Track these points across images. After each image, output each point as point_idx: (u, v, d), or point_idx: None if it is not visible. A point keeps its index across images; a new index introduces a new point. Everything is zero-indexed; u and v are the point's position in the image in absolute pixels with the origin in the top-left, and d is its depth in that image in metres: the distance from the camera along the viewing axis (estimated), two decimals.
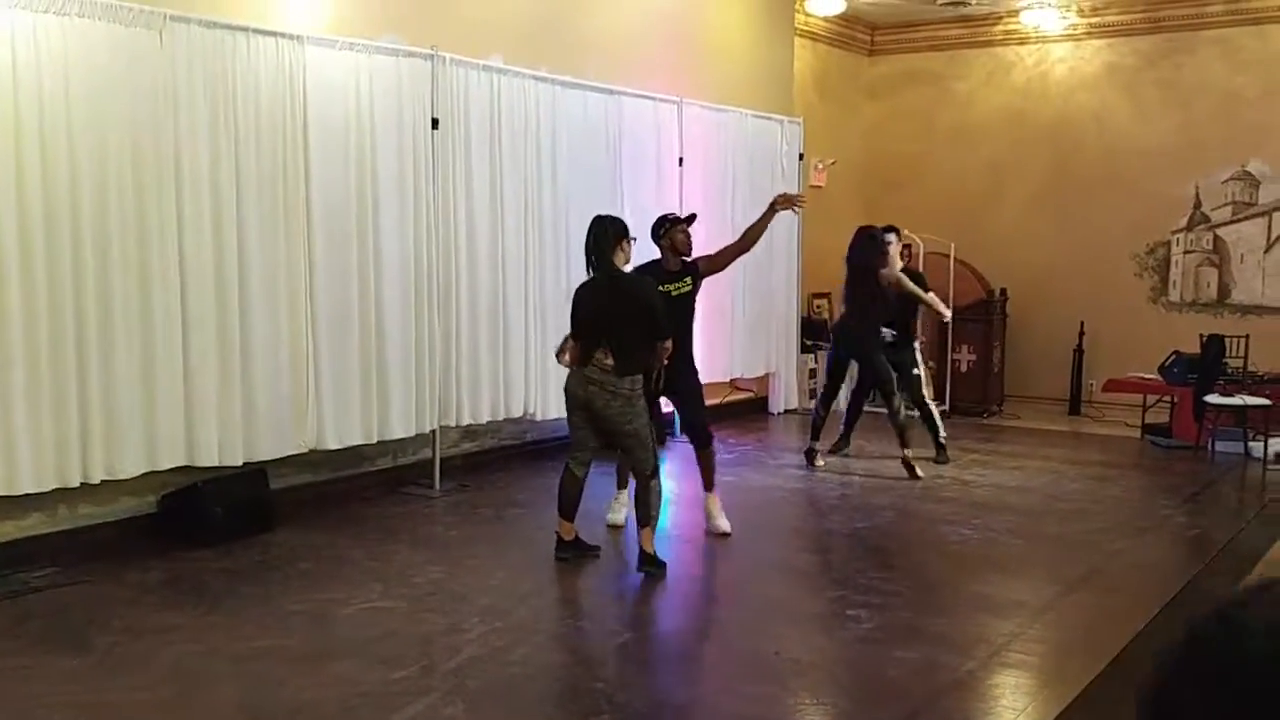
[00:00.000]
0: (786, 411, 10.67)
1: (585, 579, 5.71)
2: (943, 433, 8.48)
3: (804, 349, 10.90)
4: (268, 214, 6.29)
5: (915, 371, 8.52)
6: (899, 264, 8.43)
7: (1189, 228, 11.29)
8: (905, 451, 7.93)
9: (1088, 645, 4.71)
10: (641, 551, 5.61)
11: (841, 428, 8.72)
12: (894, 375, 8.06)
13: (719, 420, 9.73)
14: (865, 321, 8.00)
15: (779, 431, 10.03)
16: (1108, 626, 4.92)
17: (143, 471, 5.84)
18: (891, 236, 8.38)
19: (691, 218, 6.52)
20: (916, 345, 8.69)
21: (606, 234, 5.64)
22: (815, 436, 8.31)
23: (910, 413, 8.26)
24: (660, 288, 5.96)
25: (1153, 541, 6.53)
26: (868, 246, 8.00)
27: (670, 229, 6.33)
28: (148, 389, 5.81)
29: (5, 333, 5.26)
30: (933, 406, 8.56)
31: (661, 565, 5.58)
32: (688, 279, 6.35)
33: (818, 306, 11.63)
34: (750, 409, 10.55)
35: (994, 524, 6.72)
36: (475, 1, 7.73)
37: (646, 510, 5.60)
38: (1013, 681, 4.40)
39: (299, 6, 6.67)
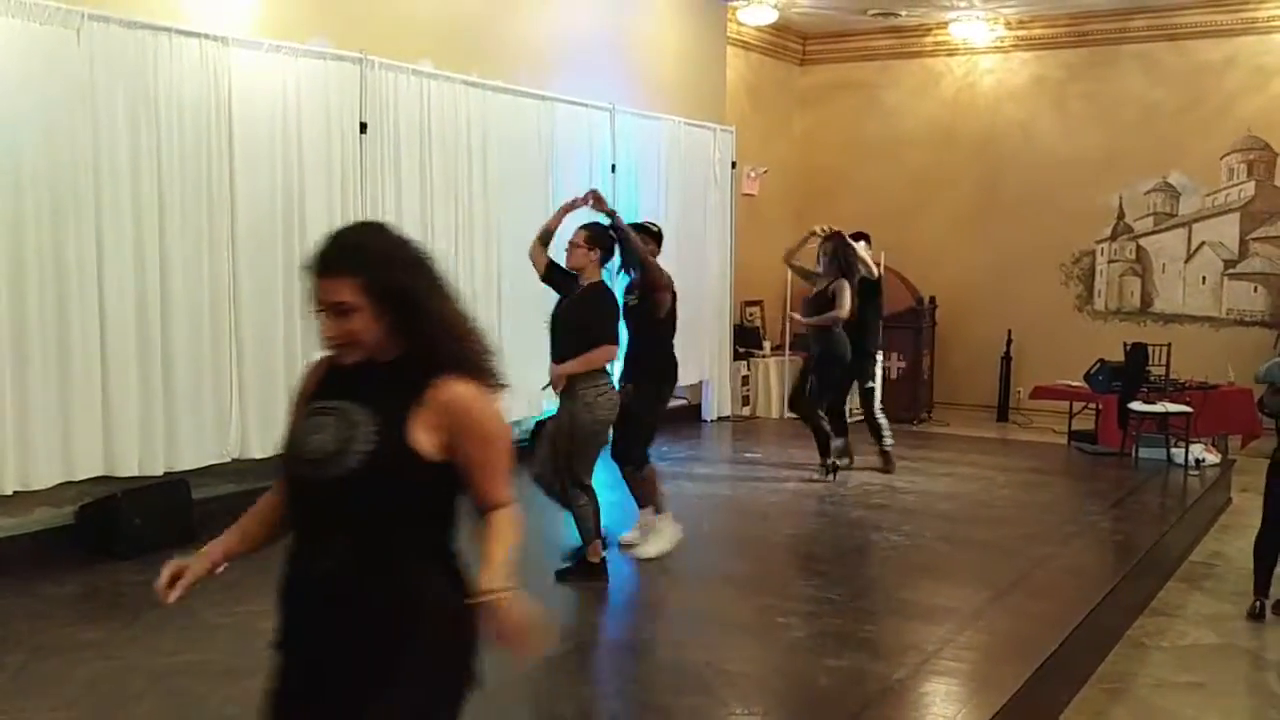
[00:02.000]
0: (720, 419, 10.67)
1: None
2: (888, 441, 8.41)
3: (736, 356, 10.92)
4: (190, 219, 6.15)
5: (869, 385, 8.48)
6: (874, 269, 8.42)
7: (1113, 237, 11.50)
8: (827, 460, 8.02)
9: (1017, 650, 4.74)
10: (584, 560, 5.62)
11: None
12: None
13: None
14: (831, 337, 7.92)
15: (711, 439, 10.02)
16: (1037, 631, 4.96)
17: (58, 482, 5.68)
18: (862, 245, 8.40)
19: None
20: (879, 358, 8.63)
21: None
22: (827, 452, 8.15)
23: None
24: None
25: (1080, 547, 6.61)
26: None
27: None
28: (64, 398, 5.64)
29: None
30: (882, 419, 8.47)
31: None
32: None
33: (750, 314, 11.66)
34: (684, 416, 10.53)
35: (924, 530, 6.76)
36: (405, 4, 7.63)
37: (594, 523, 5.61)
38: (943, 689, 4.41)
39: (224, 7, 6.52)
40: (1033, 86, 11.78)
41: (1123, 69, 11.33)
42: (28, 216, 5.46)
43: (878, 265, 8.53)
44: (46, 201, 5.54)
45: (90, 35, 5.64)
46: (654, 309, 5.95)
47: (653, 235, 6.17)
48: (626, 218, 8.96)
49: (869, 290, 8.20)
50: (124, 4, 5.89)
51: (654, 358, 6.02)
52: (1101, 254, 11.58)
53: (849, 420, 8.58)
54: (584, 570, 5.58)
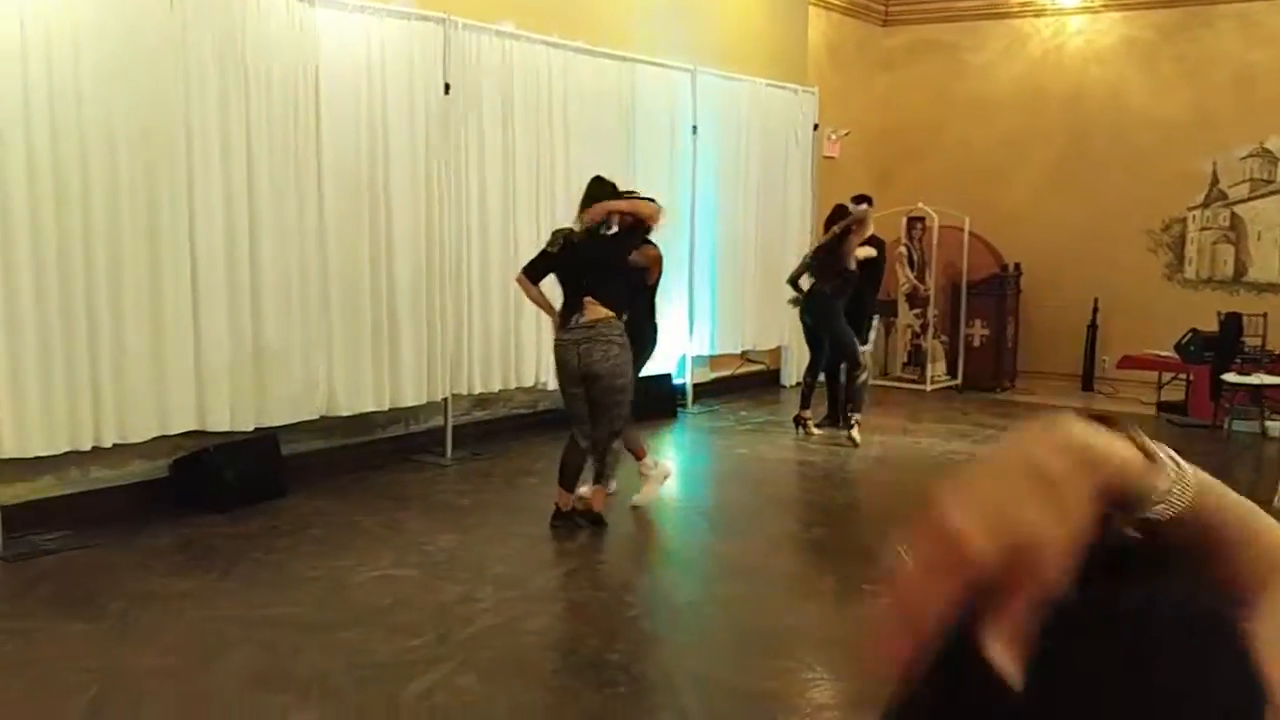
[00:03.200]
0: (798, 384, 10.59)
1: (599, 550, 5.67)
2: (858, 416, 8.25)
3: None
4: (279, 179, 6.22)
5: (864, 347, 8.43)
6: (869, 230, 8.36)
7: (1205, 204, 11.18)
8: (854, 417, 8.03)
9: None
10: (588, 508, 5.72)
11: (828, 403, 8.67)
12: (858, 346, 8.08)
13: (730, 393, 9.70)
14: (833, 293, 7.99)
15: (791, 404, 9.96)
16: None
17: (154, 436, 5.80)
18: (865, 206, 8.32)
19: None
20: (875, 321, 8.58)
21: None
22: (805, 405, 8.35)
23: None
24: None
25: None
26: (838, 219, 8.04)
27: None
28: (159, 353, 5.76)
29: (17, 297, 5.21)
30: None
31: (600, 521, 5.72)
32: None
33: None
34: (762, 381, 10.49)
35: None
36: None
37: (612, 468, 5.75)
38: None
39: None
40: (1123, 48, 11.46)
41: (1218, 29, 10.97)
42: (122, 178, 5.56)
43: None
44: (140, 163, 5.63)
45: None
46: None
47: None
48: (707, 180, 9.02)
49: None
50: None
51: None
52: (1193, 221, 11.26)
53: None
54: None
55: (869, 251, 8.21)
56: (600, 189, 5.78)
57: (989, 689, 0.54)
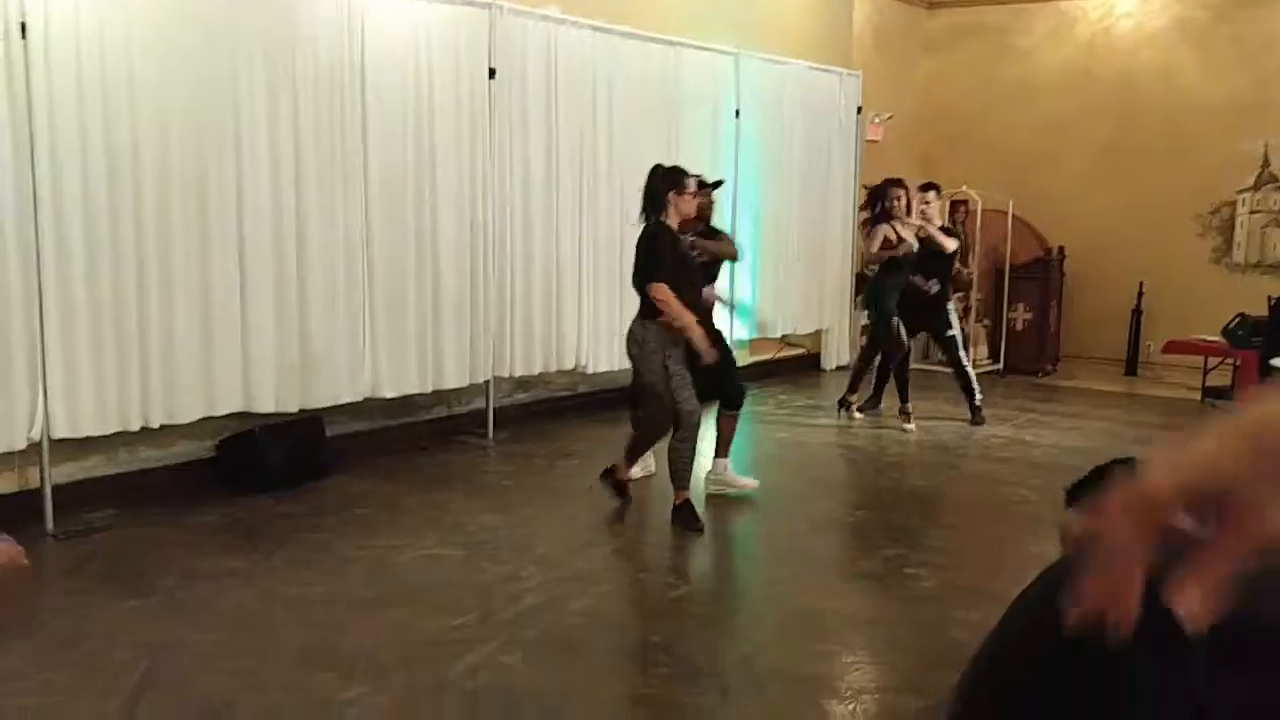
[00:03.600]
0: (839, 368, 10.56)
1: (642, 532, 5.69)
2: (978, 396, 8.28)
3: (857, 305, 10.78)
4: (325, 163, 6.26)
5: (950, 333, 8.24)
6: (937, 221, 8.33)
7: (1256, 187, 11.01)
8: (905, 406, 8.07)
9: None
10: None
11: (872, 388, 8.60)
12: (899, 338, 8.01)
13: (770, 377, 9.68)
14: (883, 275, 7.98)
15: (832, 388, 9.92)
16: None
17: (201, 417, 5.87)
18: (932, 194, 8.31)
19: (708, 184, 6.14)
20: (950, 306, 8.36)
21: (654, 186, 5.59)
22: (851, 389, 8.39)
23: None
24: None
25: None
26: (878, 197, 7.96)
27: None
28: (206, 336, 5.83)
29: (69, 281, 5.28)
30: (969, 368, 8.35)
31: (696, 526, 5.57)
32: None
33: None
34: (802, 365, 10.46)
35: (1054, 485, 6.60)
36: None
37: (669, 467, 5.65)
38: None
39: None
40: (1174, 29, 11.29)
41: (1275, 8, 10.78)
42: (173, 163, 5.62)
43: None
44: (191, 149, 5.69)
45: None
46: None
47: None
48: (749, 164, 9.00)
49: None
50: None
51: None
52: (1243, 204, 11.09)
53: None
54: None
55: (952, 243, 8.19)
56: (665, 183, 5.72)
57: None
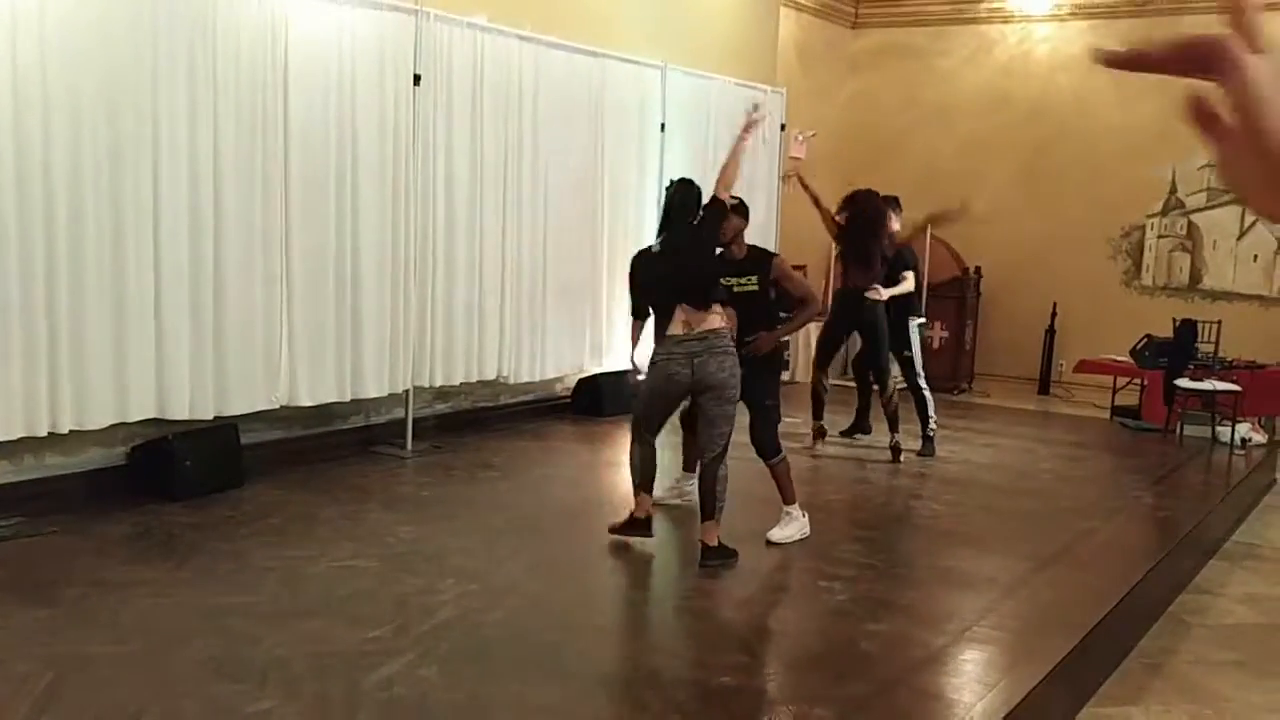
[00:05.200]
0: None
1: (559, 545, 5.69)
2: (933, 423, 7.94)
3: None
4: (245, 166, 6.19)
5: (907, 353, 8.00)
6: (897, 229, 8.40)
7: (1164, 212, 11.35)
8: (895, 437, 7.67)
9: (1059, 623, 4.74)
10: (703, 545, 5.24)
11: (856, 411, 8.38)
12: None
13: None
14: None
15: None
16: (1079, 604, 4.96)
17: (112, 423, 5.76)
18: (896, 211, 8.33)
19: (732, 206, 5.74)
20: (912, 324, 8.11)
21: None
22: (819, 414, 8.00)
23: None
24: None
25: (1122, 521, 6.58)
26: (875, 204, 7.69)
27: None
28: (119, 340, 5.71)
29: None
30: (926, 393, 7.99)
31: (729, 554, 5.29)
32: (752, 276, 5.79)
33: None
34: None
35: (966, 500, 6.76)
36: None
37: (714, 499, 5.29)
38: (985, 657, 4.43)
39: None
40: (1088, 56, 11.59)
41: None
42: (86, 159, 5.51)
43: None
44: (105, 145, 5.58)
45: None
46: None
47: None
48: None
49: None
50: None
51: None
52: (1151, 229, 11.44)
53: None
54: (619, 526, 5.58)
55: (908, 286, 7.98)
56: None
57: None
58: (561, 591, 5.14)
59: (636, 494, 5.48)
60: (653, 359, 5.36)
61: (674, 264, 5.31)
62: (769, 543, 5.62)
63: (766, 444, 5.75)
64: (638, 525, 5.46)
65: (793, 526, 5.74)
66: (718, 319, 5.27)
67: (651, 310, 5.42)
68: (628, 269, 5.69)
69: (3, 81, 5.17)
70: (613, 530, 5.51)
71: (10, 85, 5.19)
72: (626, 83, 8.77)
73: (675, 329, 5.23)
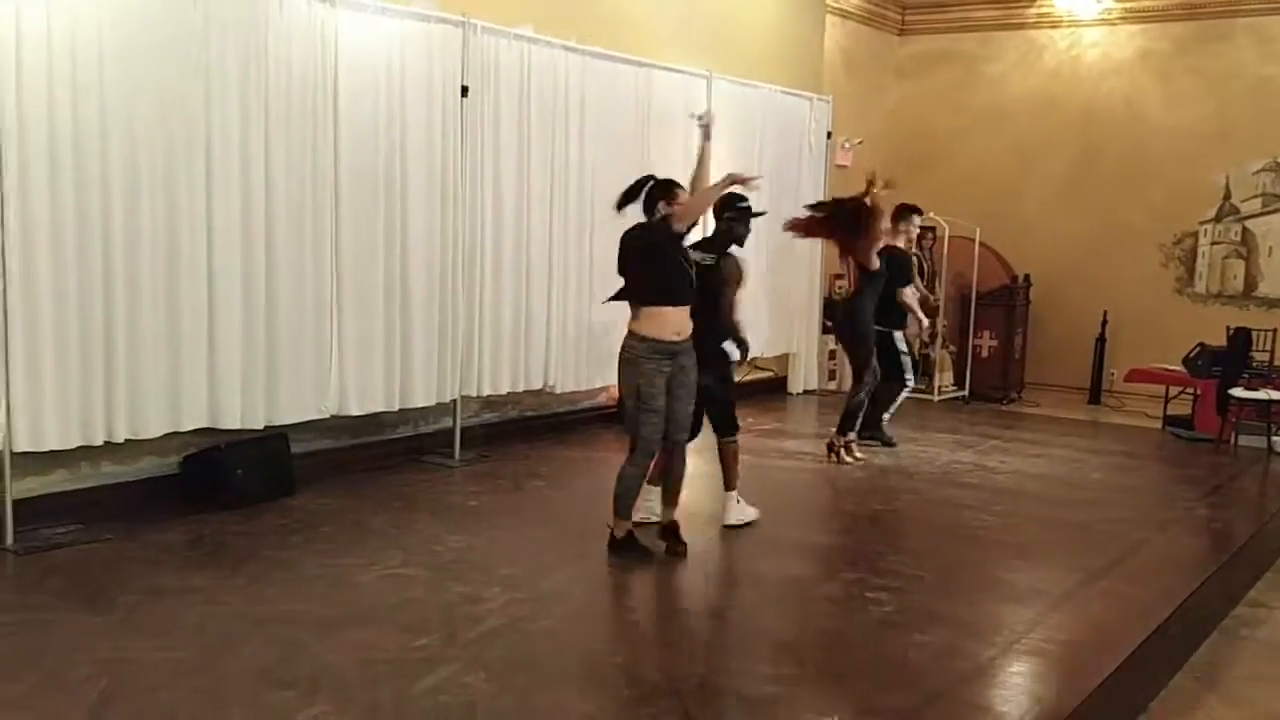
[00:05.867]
0: (806, 392, 10.64)
1: (604, 554, 5.69)
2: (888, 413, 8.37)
3: (824, 330, 10.85)
4: (296, 178, 6.27)
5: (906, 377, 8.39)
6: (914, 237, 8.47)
7: (1218, 219, 11.19)
8: (843, 436, 7.82)
9: (1109, 635, 4.68)
10: (676, 526, 5.63)
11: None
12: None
13: (739, 399, 9.71)
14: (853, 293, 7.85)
15: (798, 412, 10.00)
16: (1129, 617, 4.89)
17: (166, 432, 5.86)
18: (916, 219, 8.40)
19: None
20: (896, 338, 8.28)
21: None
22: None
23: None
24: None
25: (1175, 533, 6.49)
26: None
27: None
28: (173, 351, 5.81)
29: (35, 292, 5.26)
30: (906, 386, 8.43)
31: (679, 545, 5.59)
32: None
33: (839, 288, 11.56)
34: (770, 389, 10.52)
35: (1016, 510, 6.70)
36: None
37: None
38: (1034, 670, 4.38)
39: None
40: (1138, 60, 11.47)
41: (1235, 43, 10.98)
42: (142, 172, 5.61)
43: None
44: (160, 157, 5.68)
45: None
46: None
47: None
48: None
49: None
50: None
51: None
52: (1205, 235, 11.27)
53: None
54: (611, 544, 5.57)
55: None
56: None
57: None
58: (607, 600, 5.16)
59: (618, 518, 5.50)
60: (645, 353, 5.30)
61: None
62: (726, 526, 5.99)
63: (726, 421, 6.04)
64: (631, 545, 5.50)
65: (739, 509, 6.02)
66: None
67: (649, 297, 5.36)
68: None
69: (62, 100, 5.28)
70: (613, 547, 5.52)
71: (69, 105, 5.31)
72: (672, 91, 8.78)
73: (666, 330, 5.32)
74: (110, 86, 5.44)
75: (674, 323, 5.33)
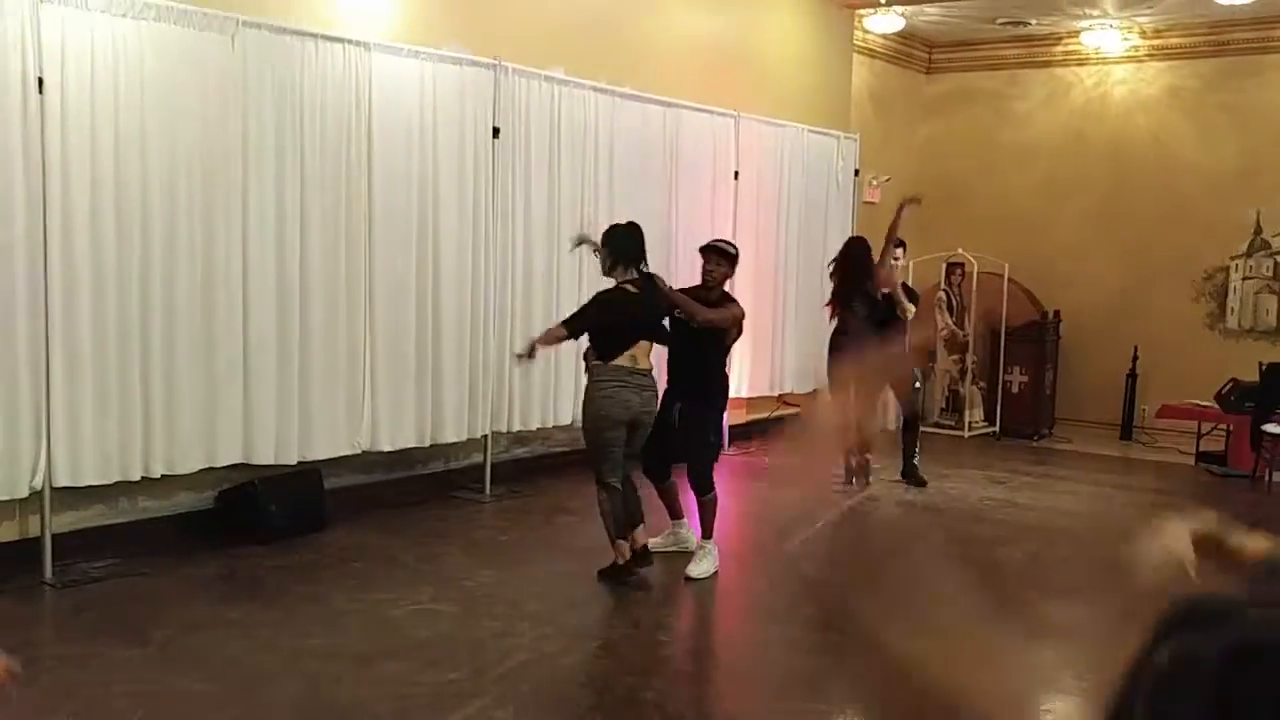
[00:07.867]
0: None
1: (634, 590, 5.71)
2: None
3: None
4: (330, 217, 6.37)
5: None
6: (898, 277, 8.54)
7: (1249, 254, 11.14)
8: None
9: None
10: (645, 550, 5.74)
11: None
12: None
13: (768, 435, 9.73)
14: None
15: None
16: None
17: (201, 468, 5.92)
18: (899, 251, 8.48)
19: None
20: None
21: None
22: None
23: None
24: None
25: (1211, 571, 6.43)
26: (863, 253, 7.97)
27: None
28: (209, 388, 5.89)
29: (75, 330, 5.36)
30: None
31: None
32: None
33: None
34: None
35: (1048, 548, 6.67)
36: (538, 13, 7.78)
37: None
38: (1067, 709, 4.36)
39: (367, 14, 6.75)
40: (1167, 97, 11.48)
41: (1265, 80, 10.97)
42: (180, 213, 5.72)
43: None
44: (199, 197, 5.79)
45: (244, 40, 5.88)
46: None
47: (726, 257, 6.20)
48: (748, 224, 9.12)
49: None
50: (276, 10, 6.14)
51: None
52: (1236, 270, 11.23)
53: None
54: (608, 571, 5.65)
55: (912, 309, 8.33)
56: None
57: None
58: (637, 635, 5.17)
59: (616, 543, 5.58)
60: (601, 387, 5.54)
61: (645, 305, 5.68)
62: (688, 579, 5.78)
63: (703, 480, 5.99)
64: (628, 570, 5.58)
65: (708, 561, 5.91)
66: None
67: (605, 343, 5.59)
68: (595, 300, 5.86)
69: (105, 145, 5.40)
70: (603, 576, 5.63)
71: (111, 148, 5.43)
72: (700, 131, 8.87)
73: (625, 360, 5.54)
74: (151, 128, 5.56)
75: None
